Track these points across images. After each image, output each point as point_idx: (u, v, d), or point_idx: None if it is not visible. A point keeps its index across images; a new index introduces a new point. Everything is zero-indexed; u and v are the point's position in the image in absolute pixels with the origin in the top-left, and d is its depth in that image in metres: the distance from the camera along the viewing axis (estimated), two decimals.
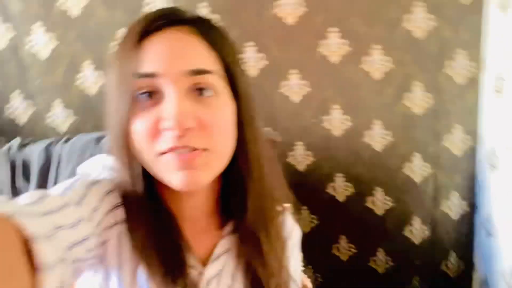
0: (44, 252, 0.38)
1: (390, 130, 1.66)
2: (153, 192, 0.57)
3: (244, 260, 0.61)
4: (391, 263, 1.72)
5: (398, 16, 1.54)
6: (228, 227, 0.64)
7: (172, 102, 0.50)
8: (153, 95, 0.52)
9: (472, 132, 1.62)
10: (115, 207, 0.55)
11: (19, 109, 1.66)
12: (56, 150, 1.51)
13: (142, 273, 0.54)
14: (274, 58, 1.60)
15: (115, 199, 0.56)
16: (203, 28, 0.55)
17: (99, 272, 0.55)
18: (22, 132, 1.68)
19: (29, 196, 0.46)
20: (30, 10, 1.56)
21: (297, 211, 0.77)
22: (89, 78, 1.62)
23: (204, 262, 0.61)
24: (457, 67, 1.57)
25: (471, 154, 1.64)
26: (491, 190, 1.52)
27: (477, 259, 1.66)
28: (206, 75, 0.52)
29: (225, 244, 0.63)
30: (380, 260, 1.73)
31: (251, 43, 1.58)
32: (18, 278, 0.35)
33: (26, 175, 1.53)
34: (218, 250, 0.62)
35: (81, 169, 0.64)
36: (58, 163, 1.53)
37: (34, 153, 1.51)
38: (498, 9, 1.39)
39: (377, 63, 1.59)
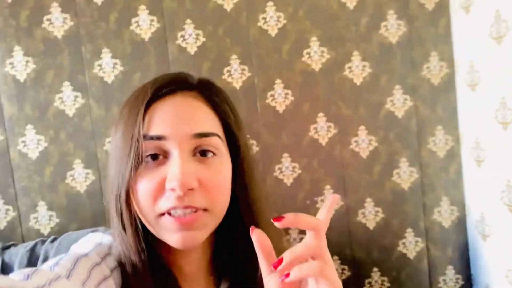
0: None
1: (381, 207, 1.70)
2: (152, 251, 0.59)
3: None
4: None
5: (381, 99, 1.67)
6: (224, 285, 0.66)
7: (177, 164, 0.53)
8: (159, 156, 0.55)
9: (459, 203, 1.70)
10: (105, 278, 0.56)
11: (0, 213, 1.59)
12: (42, 250, 1.44)
13: None
14: (264, 143, 1.65)
15: (105, 270, 0.56)
16: (207, 92, 0.60)
17: None
18: (3, 236, 1.59)
19: (19, 273, 0.47)
20: (22, 114, 1.57)
21: None
22: (78, 177, 1.60)
23: None
24: (438, 142, 1.68)
25: (461, 225, 1.70)
26: (484, 259, 1.56)
27: None
28: (209, 137, 0.56)
29: None
30: None
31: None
32: None
33: None
34: None
35: (74, 248, 0.63)
36: (43, 262, 1.45)
37: (17, 255, 1.43)
38: (469, 88, 1.54)
39: (363, 143, 1.67)
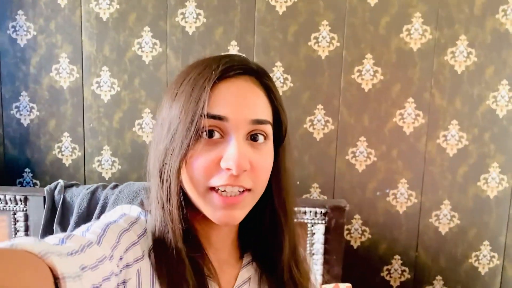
0: None
1: (458, 213, 1.56)
2: (187, 222, 0.61)
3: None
4: None
5: (482, 93, 1.49)
6: (247, 258, 0.69)
7: (235, 146, 0.56)
8: (214, 133, 0.57)
9: None
10: (133, 244, 0.58)
11: (67, 150, 1.61)
12: (103, 195, 1.44)
13: None
14: (343, 123, 1.54)
15: (133, 236, 0.58)
16: (264, 79, 0.61)
17: None
18: (67, 174, 1.62)
19: (55, 236, 0.49)
20: (100, 54, 1.56)
21: None
22: (146, 127, 1.58)
23: None
24: None
25: None
26: None
27: None
28: (264, 125, 0.59)
29: (246, 273, 0.68)
30: None
31: (320, 106, 1.53)
32: None
33: (64, 220, 1.46)
34: (240, 279, 0.67)
35: (105, 217, 0.65)
36: (102, 208, 1.46)
37: (78, 197, 1.44)
38: None
39: (453, 139, 1.52)
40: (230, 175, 0.56)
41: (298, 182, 1.57)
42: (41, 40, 1.56)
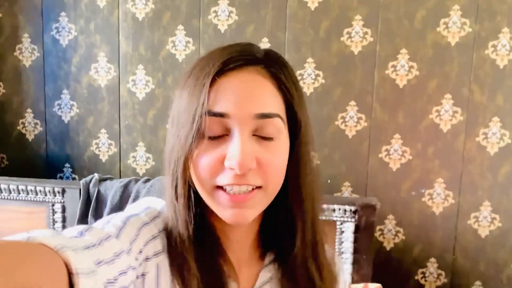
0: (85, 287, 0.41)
1: (500, 215, 1.50)
2: (204, 220, 0.61)
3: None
4: None
5: None
6: (269, 257, 0.67)
7: (237, 144, 0.54)
8: (223, 132, 0.56)
9: None
10: (154, 237, 0.58)
11: (103, 146, 1.70)
12: (135, 189, 1.51)
13: None
14: (376, 120, 1.53)
15: (153, 229, 0.59)
16: (273, 67, 0.58)
17: None
18: (103, 169, 1.71)
19: (75, 229, 0.49)
20: (136, 53, 1.63)
21: None
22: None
23: None
24: None
25: None
26: None
27: None
28: (272, 118, 0.56)
29: (267, 273, 0.67)
30: None
31: (353, 103, 1.53)
32: None
33: (98, 211, 1.55)
34: (260, 279, 0.66)
35: (128, 209, 0.66)
36: (134, 200, 1.53)
37: (111, 190, 1.52)
38: None
39: (494, 137, 1.47)
40: (235, 174, 0.55)
41: (329, 181, 1.57)
42: (81, 40, 1.65)
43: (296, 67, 1.51)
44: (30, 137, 1.75)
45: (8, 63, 1.70)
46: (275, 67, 0.59)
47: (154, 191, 1.50)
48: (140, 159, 1.68)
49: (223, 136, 0.56)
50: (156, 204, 0.65)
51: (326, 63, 1.52)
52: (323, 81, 1.53)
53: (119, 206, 1.52)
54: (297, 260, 0.64)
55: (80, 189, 1.49)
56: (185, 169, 0.58)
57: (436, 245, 1.55)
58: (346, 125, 1.54)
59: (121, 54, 1.63)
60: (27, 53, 1.69)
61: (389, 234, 1.57)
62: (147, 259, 0.56)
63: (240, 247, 0.66)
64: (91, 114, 1.69)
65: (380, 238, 1.58)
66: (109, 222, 0.55)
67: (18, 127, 1.75)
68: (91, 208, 1.52)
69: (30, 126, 1.74)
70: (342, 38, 1.50)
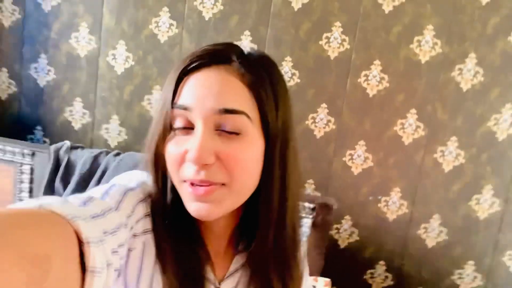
0: (95, 256, 0.43)
1: (448, 228, 1.67)
2: (183, 209, 0.63)
3: (258, 277, 0.69)
4: None
5: (485, 114, 1.60)
6: (243, 244, 0.70)
7: (196, 138, 0.57)
8: (187, 125, 0.60)
9: None
10: (146, 215, 0.62)
11: (77, 114, 1.80)
12: (105, 161, 1.63)
13: (159, 285, 0.61)
14: (344, 125, 1.67)
15: (146, 207, 0.62)
16: (247, 67, 0.61)
17: (116, 283, 0.61)
18: (75, 136, 1.81)
19: (75, 198, 0.52)
20: (118, 28, 1.74)
21: None
22: (155, 103, 1.75)
23: (221, 279, 0.69)
24: None
25: None
26: None
27: None
28: (235, 115, 0.58)
29: (240, 260, 0.70)
30: None
31: (324, 105, 1.66)
32: (73, 280, 0.41)
33: (66, 178, 1.65)
34: (233, 266, 0.70)
35: (116, 179, 0.70)
36: (103, 173, 1.64)
37: (81, 159, 1.63)
38: None
39: (450, 155, 1.63)
40: (194, 169, 0.57)
41: None
42: (64, 8, 1.75)
43: None
44: (2, 95, 1.84)
45: None
46: (249, 67, 0.61)
47: (124, 166, 1.62)
48: (112, 131, 1.80)
49: (188, 130, 0.60)
50: (148, 179, 0.67)
51: (303, 64, 1.65)
52: (298, 80, 1.66)
53: (88, 175, 1.64)
54: (258, 255, 0.67)
55: (49, 154, 1.59)
56: (156, 158, 0.62)
57: (386, 249, 1.72)
58: (315, 126, 1.68)
59: (103, 27, 1.74)
60: (7, 13, 1.77)
61: (345, 233, 1.73)
62: (135, 235, 0.59)
63: (221, 237, 0.70)
64: (68, 81, 1.79)
65: (336, 236, 1.74)
66: (107, 193, 0.58)
67: None
68: (60, 174, 1.64)
69: (3, 85, 1.82)
70: (320, 42, 1.63)
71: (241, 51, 0.64)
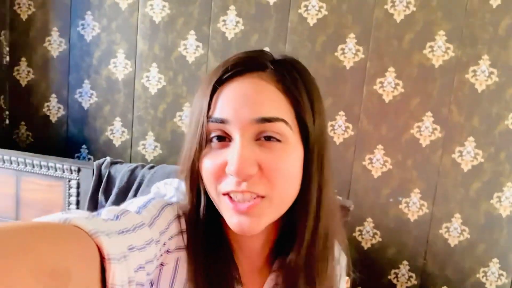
0: (116, 273, 0.42)
1: (469, 227, 1.69)
2: (217, 223, 0.63)
3: None
4: None
5: (502, 113, 1.62)
6: (277, 264, 0.68)
7: (236, 150, 0.55)
8: (224, 138, 0.58)
9: None
10: (180, 232, 0.61)
11: (117, 133, 1.98)
12: (140, 173, 1.78)
13: None
14: (362, 131, 1.74)
15: (182, 224, 0.62)
16: (281, 72, 0.59)
17: None
18: (116, 153, 1.98)
19: (109, 211, 0.51)
20: (151, 52, 1.89)
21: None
22: (185, 119, 1.90)
23: None
24: None
25: None
26: None
27: None
28: (273, 123, 0.56)
29: (273, 279, 0.68)
30: None
31: (342, 113, 1.74)
32: None
33: (107, 190, 1.82)
34: (267, 285, 0.68)
35: (156, 188, 0.70)
36: (139, 185, 1.80)
37: (120, 172, 1.79)
38: None
39: (468, 155, 1.66)
40: (235, 181, 0.55)
41: None
42: (103, 37, 1.92)
43: None
44: (53, 119, 2.03)
45: (38, 52, 1.98)
46: (282, 72, 0.59)
47: (157, 177, 1.76)
48: (149, 147, 1.95)
49: (227, 143, 0.57)
50: (181, 185, 0.67)
51: (320, 75, 1.73)
52: None
53: (126, 187, 1.79)
54: (292, 269, 0.64)
55: (93, 169, 1.76)
56: (192, 175, 0.60)
57: (409, 249, 1.76)
58: (334, 133, 1.76)
59: (137, 52, 1.89)
60: (55, 45, 1.97)
61: (367, 235, 1.79)
62: (168, 251, 0.59)
63: (254, 255, 0.67)
64: (108, 103, 1.96)
65: (359, 238, 1.80)
66: (145, 206, 0.57)
67: (43, 109, 2.03)
68: (102, 187, 1.80)
69: (54, 109, 2.02)
70: (336, 53, 1.71)
71: (273, 57, 0.62)
